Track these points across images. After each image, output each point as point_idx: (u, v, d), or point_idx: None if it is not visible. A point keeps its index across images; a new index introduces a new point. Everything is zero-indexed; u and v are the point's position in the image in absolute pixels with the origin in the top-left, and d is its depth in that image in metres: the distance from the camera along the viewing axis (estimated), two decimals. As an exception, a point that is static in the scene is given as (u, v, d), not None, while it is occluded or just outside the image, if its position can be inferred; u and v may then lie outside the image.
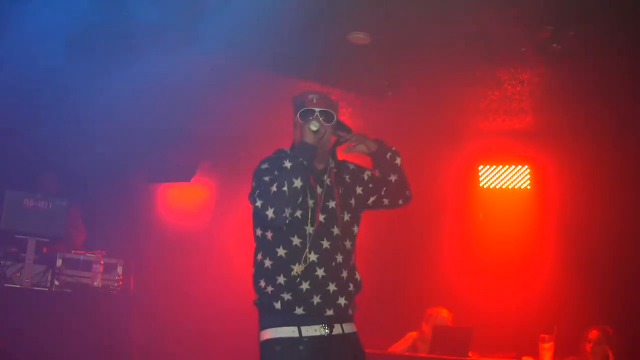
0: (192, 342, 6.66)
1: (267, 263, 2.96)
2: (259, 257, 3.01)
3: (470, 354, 4.88)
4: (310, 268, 2.93)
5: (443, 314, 5.42)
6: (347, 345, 2.99)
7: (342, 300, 2.96)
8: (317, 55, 5.17)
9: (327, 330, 2.93)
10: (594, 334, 5.35)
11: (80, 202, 6.51)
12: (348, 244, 3.06)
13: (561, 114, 5.95)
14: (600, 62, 4.95)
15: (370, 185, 3.20)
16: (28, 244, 5.34)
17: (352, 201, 3.13)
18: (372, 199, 3.20)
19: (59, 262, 5.35)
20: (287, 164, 2.93)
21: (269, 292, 2.93)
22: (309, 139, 2.96)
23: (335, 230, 3.01)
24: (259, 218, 3.01)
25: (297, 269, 2.91)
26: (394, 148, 3.21)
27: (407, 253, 6.80)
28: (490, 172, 6.84)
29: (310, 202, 2.98)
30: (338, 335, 2.95)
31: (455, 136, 6.47)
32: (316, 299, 2.91)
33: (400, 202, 3.24)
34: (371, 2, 4.42)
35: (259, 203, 2.89)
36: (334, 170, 3.14)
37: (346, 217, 3.07)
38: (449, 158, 6.73)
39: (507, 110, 5.88)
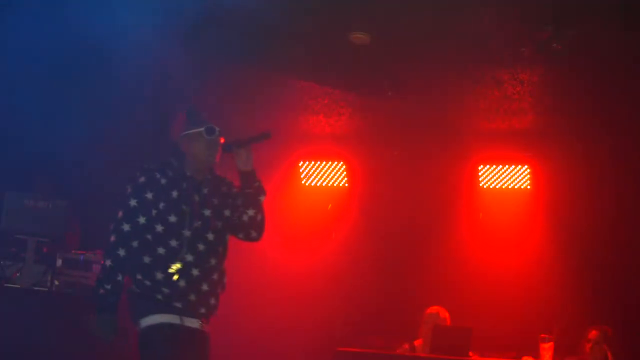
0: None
1: (147, 259, 3.25)
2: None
3: (470, 354, 4.88)
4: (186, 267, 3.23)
5: (440, 313, 5.43)
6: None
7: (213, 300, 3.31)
8: (317, 55, 5.17)
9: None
10: (593, 334, 5.35)
11: (80, 201, 6.49)
12: (220, 249, 3.37)
13: (561, 114, 5.94)
14: (600, 62, 4.95)
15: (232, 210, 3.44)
16: (28, 244, 5.34)
17: (226, 212, 3.42)
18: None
19: (59, 262, 5.34)
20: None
21: (148, 286, 3.22)
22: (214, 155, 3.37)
23: (210, 237, 3.31)
24: None
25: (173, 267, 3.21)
26: (262, 185, 3.45)
27: (406, 253, 6.79)
28: (490, 172, 6.83)
29: (187, 209, 3.27)
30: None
31: (455, 136, 6.46)
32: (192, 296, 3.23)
33: (241, 236, 3.49)
34: (371, 2, 4.42)
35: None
36: (211, 182, 3.42)
37: (219, 225, 3.36)
38: (449, 158, 6.72)
39: (507, 110, 5.87)
